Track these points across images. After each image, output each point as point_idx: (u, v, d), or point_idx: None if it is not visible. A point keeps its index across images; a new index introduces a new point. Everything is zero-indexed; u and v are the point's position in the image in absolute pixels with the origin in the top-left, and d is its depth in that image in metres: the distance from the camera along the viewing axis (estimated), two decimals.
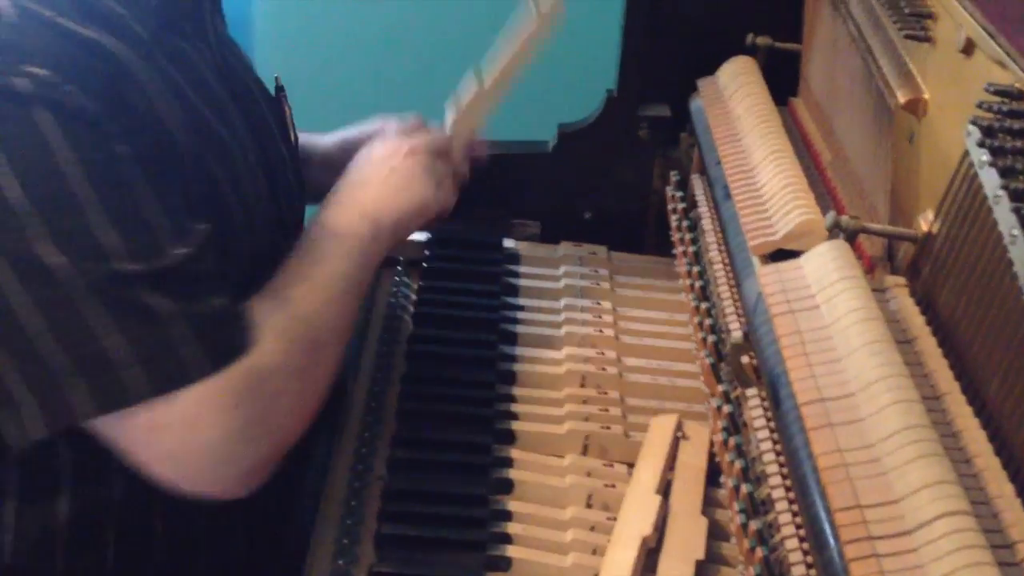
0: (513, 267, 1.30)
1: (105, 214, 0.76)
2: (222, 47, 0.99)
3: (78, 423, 0.78)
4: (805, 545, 0.74)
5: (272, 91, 1.11)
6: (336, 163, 1.10)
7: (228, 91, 0.96)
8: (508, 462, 1.02)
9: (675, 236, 1.26)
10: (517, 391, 1.11)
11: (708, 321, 1.08)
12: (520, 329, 1.19)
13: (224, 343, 0.81)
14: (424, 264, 1.27)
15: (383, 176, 1.02)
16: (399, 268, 1.28)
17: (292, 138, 1.10)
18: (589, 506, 0.98)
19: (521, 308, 1.23)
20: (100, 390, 0.77)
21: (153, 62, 0.85)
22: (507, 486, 0.99)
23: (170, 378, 0.78)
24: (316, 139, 1.22)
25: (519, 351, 1.16)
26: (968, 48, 0.84)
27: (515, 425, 1.06)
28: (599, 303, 1.24)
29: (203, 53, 0.93)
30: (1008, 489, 0.67)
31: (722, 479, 0.95)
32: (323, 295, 0.90)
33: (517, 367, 1.14)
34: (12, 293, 0.75)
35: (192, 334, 0.79)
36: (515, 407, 1.08)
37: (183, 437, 0.79)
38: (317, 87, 2.04)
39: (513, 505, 0.97)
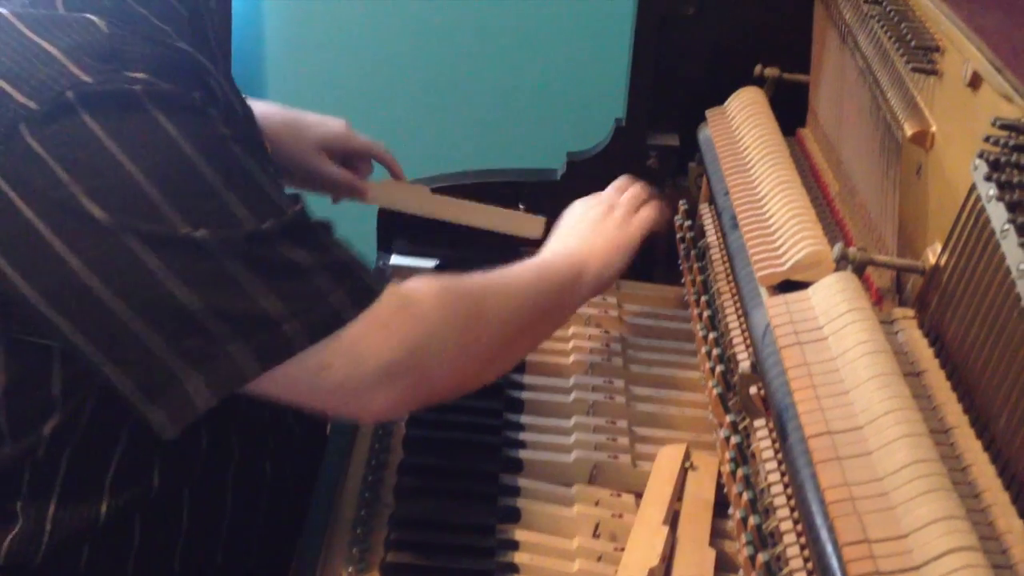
0: None
1: (231, 188, 0.81)
2: (226, 58, 1.03)
3: (246, 384, 0.82)
4: None
5: None
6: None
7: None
8: (515, 491, 1.02)
9: (684, 265, 1.27)
10: (524, 419, 1.11)
11: (716, 351, 1.08)
12: (528, 357, 1.19)
13: (363, 285, 0.85)
14: None
15: (587, 225, 1.11)
16: None
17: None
18: (596, 536, 0.98)
19: None
20: (262, 348, 0.81)
21: None
22: (514, 515, 0.99)
23: (324, 324, 0.82)
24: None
25: (527, 379, 1.16)
26: (975, 82, 0.85)
27: (522, 453, 1.06)
28: (607, 332, 1.24)
29: (214, 63, 0.96)
30: (1017, 524, 0.67)
31: (730, 510, 0.95)
32: (501, 290, 0.96)
33: (524, 395, 1.14)
34: (167, 277, 0.79)
35: (333, 279, 0.83)
36: (522, 435, 1.08)
37: (347, 371, 0.84)
38: (326, 89, 2.06)
39: (520, 534, 0.97)
